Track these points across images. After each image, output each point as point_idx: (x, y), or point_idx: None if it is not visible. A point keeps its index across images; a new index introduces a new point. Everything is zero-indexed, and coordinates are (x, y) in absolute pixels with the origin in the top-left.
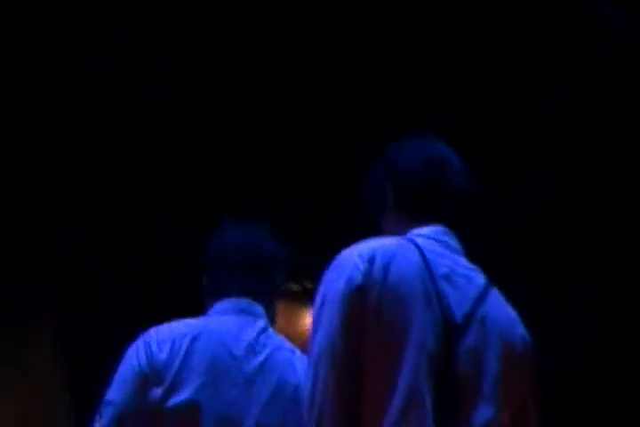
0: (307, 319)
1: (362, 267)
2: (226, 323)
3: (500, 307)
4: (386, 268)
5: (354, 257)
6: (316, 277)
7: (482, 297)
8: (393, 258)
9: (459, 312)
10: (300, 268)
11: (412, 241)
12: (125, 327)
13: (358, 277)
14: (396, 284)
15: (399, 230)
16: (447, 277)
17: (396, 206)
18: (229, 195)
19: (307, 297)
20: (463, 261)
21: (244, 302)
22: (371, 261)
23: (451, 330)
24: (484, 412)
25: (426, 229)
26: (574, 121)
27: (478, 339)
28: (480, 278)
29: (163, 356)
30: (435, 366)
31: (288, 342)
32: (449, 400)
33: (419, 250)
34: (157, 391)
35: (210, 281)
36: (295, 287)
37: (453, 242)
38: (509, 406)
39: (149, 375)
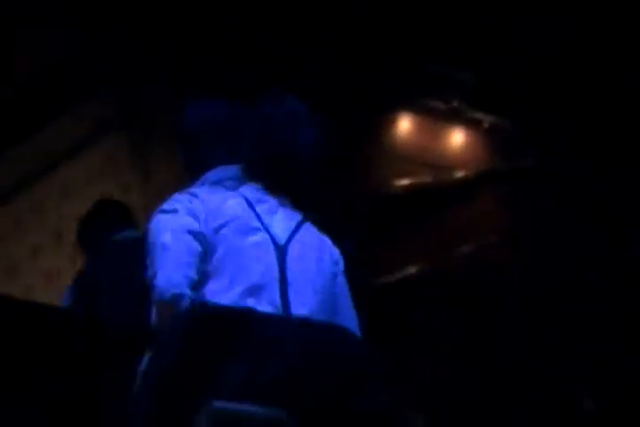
0: (451, 139)
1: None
2: None
3: (312, 233)
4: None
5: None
6: (464, 95)
7: (298, 227)
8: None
9: (282, 237)
10: (447, 85)
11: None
12: None
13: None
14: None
15: None
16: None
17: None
18: None
19: (452, 116)
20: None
21: None
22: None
23: (279, 248)
24: (308, 295)
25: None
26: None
27: (299, 252)
28: (296, 215)
29: None
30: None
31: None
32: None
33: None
34: None
35: None
36: (441, 105)
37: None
38: (323, 293)
39: None
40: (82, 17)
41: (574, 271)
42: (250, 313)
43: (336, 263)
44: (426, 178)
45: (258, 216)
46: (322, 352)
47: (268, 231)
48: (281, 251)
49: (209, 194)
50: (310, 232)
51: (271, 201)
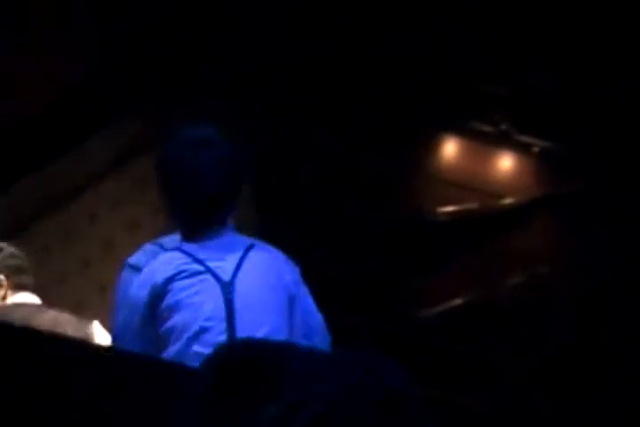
0: (500, 163)
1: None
2: None
3: (262, 258)
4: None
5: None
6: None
7: (242, 259)
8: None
9: (225, 275)
10: (495, 107)
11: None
12: None
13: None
14: None
15: None
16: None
17: None
18: None
19: (501, 140)
20: (226, 239)
21: None
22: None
23: (224, 285)
24: (260, 321)
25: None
26: None
27: (246, 285)
28: (241, 247)
29: None
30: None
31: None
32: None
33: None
34: None
35: None
36: (489, 129)
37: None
38: (280, 317)
39: None
40: (115, 35)
41: (631, 302)
42: (286, 348)
43: (295, 283)
44: (473, 204)
45: (199, 261)
46: (365, 388)
47: (210, 271)
48: (226, 288)
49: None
50: (260, 257)
51: (209, 240)
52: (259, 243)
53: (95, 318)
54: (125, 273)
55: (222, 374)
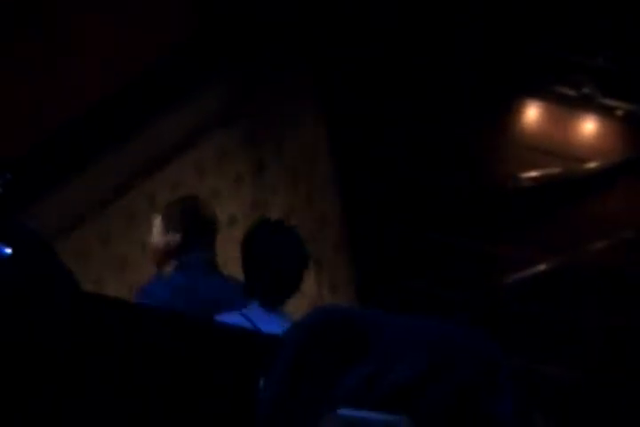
0: (583, 128)
1: None
2: None
3: None
4: None
5: None
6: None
7: None
8: None
9: None
10: (578, 71)
11: None
12: None
13: None
14: None
15: None
16: None
17: None
18: None
19: (584, 104)
20: None
21: None
22: None
23: None
24: None
25: None
26: None
27: None
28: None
29: None
30: None
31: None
32: None
33: None
34: None
35: None
36: (572, 92)
37: None
38: None
39: None
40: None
41: None
42: (372, 315)
43: None
44: (556, 169)
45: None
46: (446, 357)
47: None
48: None
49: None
50: None
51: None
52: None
53: None
54: None
55: (313, 337)
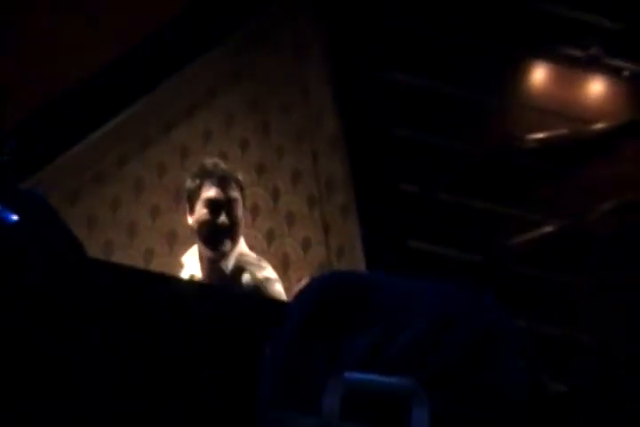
0: (590, 88)
1: None
2: None
3: None
4: None
5: None
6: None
7: None
8: None
9: None
10: (584, 31)
11: None
12: None
13: None
14: None
15: None
16: None
17: None
18: None
19: (591, 64)
20: None
21: None
22: None
23: None
24: None
25: None
26: None
27: None
28: None
29: None
30: None
31: None
32: None
33: None
34: None
35: None
36: (578, 53)
37: None
38: None
39: None
40: None
41: None
42: (378, 279)
43: None
44: (562, 131)
45: None
46: (449, 319)
47: None
48: None
49: None
50: None
51: None
52: None
53: None
54: None
55: (319, 302)
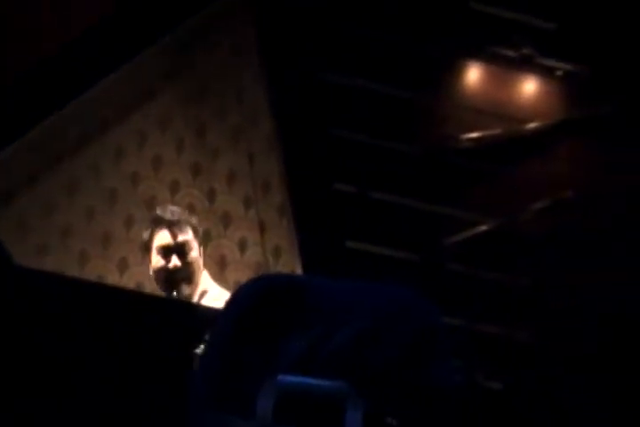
0: (523, 88)
1: None
2: None
3: None
4: None
5: None
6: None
7: None
8: None
9: None
10: (516, 31)
11: None
12: None
13: None
14: None
15: None
16: None
17: None
18: None
19: (523, 64)
20: None
21: None
22: None
23: None
24: None
25: None
26: None
27: None
28: None
29: None
30: None
31: None
32: None
33: None
34: None
35: None
36: (511, 53)
37: None
38: None
39: None
40: None
41: None
42: (314, 281)
43: None
44: (496, 130)
45: None
46: (389, 319)
47: None
48: None
49: None
50: None
51: None
52: None
53: None
54: None
55: (254, 304)
